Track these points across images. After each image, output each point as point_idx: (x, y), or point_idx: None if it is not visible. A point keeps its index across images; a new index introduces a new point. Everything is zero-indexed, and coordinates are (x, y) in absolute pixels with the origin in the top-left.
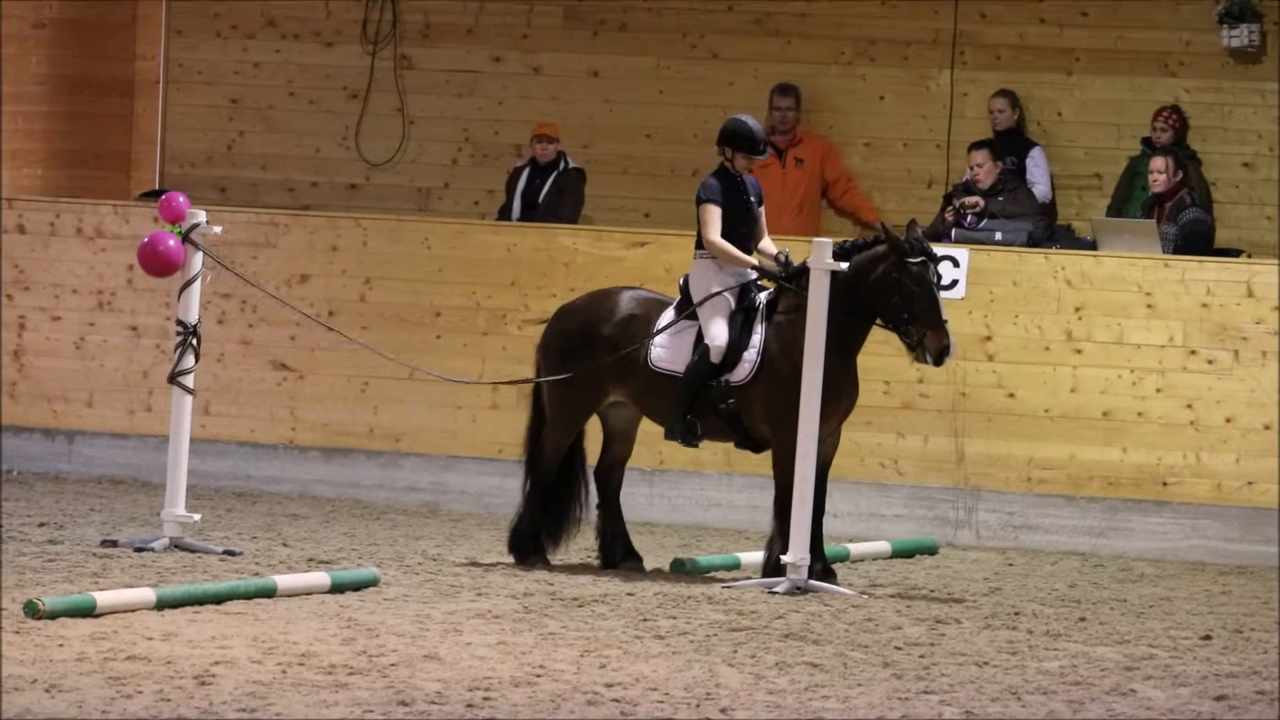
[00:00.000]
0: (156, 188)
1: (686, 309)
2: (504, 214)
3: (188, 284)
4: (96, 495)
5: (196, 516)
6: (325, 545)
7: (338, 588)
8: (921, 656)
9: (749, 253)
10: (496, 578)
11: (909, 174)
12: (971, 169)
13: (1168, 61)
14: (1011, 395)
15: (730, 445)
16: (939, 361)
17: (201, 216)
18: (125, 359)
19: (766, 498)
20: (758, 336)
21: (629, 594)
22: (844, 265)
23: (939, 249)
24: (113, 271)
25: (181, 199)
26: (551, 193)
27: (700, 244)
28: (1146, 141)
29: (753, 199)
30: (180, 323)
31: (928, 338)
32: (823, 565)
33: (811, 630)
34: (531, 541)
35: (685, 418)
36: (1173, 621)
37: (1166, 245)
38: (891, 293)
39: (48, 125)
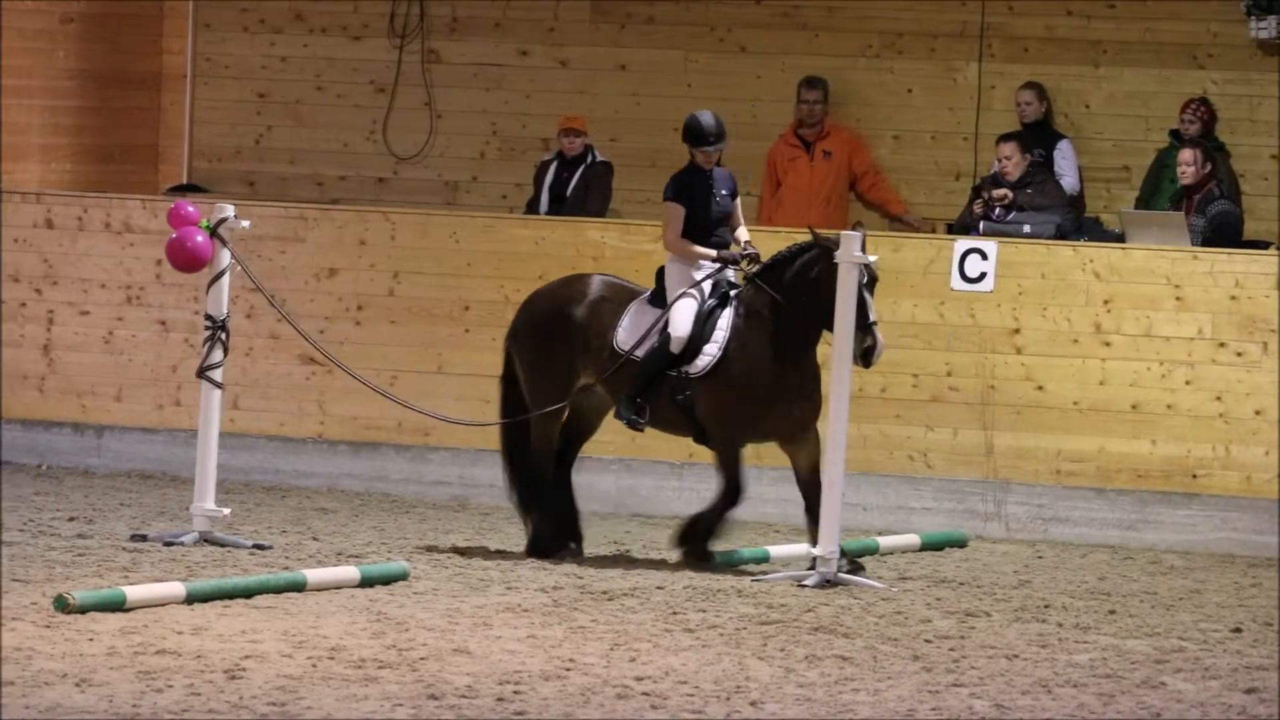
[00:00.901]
0: (184, 182)
1: (659, 300)
2: (532, 208)
3: (216, 278)
4: (126, 490)
5: (226, 511)
6: (354, 539)
7: (367, 582)
8: (951, 649)
9: (723, 244)
10: (526, 571)
11: (937, 166)
12: (999, 161)
13: (1196, 53)
14: (1040, 388)
15: (758, 442)
16: (866, 362)
17: (230, 211)
18: (154, 353)
19: (797, 491)
20: (721, 332)
21: (658, 587)
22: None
23: (968, 241)
24: (141, 266)
25: (191, 208)
26: (579, 186)
27: None
28: (1175, 133)
29: (723, 192)
30: (209, 317)
31: (855, 339)
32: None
33: (841, 623)
34: (552, 541)
35: (635, 400)
36: (1203, 614)
37: (1195, 237)
38: (822, 294)
39: (76, 120)
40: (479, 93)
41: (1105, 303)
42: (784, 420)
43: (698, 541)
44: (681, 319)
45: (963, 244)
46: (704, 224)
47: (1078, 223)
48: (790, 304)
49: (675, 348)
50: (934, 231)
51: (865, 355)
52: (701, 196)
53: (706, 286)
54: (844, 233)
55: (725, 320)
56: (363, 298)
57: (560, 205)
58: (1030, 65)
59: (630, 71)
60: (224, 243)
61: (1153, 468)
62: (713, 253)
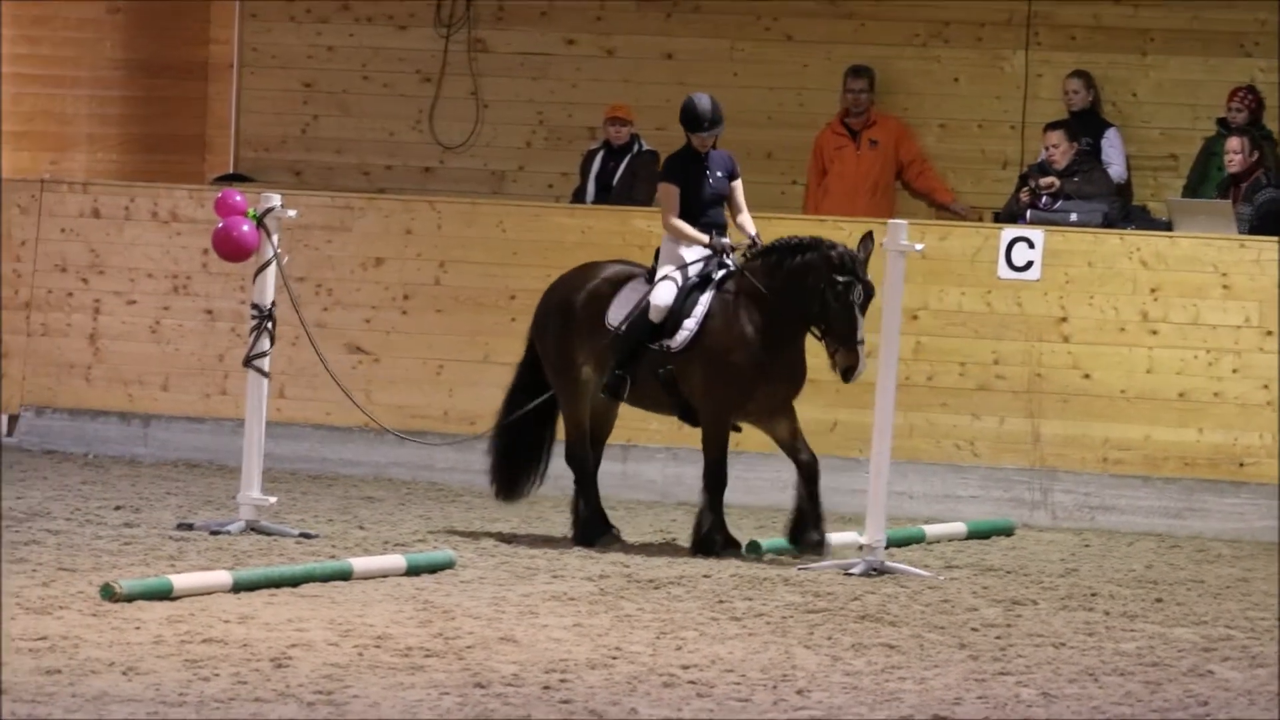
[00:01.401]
0: (231, 172)
1: (653, 277)
2: (578, 197)
3: (262, 268)
4: (172, 478)
5: (272, 499)
6: (401, 528)
7: (414, 570)
8: (998, 638)
9: (720, 224)
10: (572, 560)
11: (983, 155)
12: (1047, 150)
13: (1243, 41)
14: (1087, 376)
15: (806, 427)
16: (846, 378)
17: (276, 200)
18: (200, 343)
19: (843, 479)
20: (700, 308)
21: (705, 576)
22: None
23: (1015, 230)
24: (188, 255)
25: (238, 197)
26: (625, 175)
27: None
28: (1222, 122)
29: (719, 173)
30: (255, 306)
31: (839, 354)
32: (819, 537)
33: (888, 612)
34: (599, 525)
35: (615, 371)
36: (1250, 602)
37: (1242, 225)
38: (815, 302)
39: (123, 109)
40: (525, 82)
41: (1152, 291)
42: (768, 400)
43: (711, 540)
44: (664, 291)
45: (1009, 232)
46: (697, 205)
47: (1125, 211)
48: (777, 298)
49: (655, 316)
50: (980, 220)
51: (845, 373)
52: (695, 178)
53: (697, 266)
54: (890, 221)
55: (706, 298)
56: (409, 287)
57: (606, 194)
58: (1077, 53)
59: (676, 60)
60: (270, 233)
61: (1200, 456)
62: (705, 239)
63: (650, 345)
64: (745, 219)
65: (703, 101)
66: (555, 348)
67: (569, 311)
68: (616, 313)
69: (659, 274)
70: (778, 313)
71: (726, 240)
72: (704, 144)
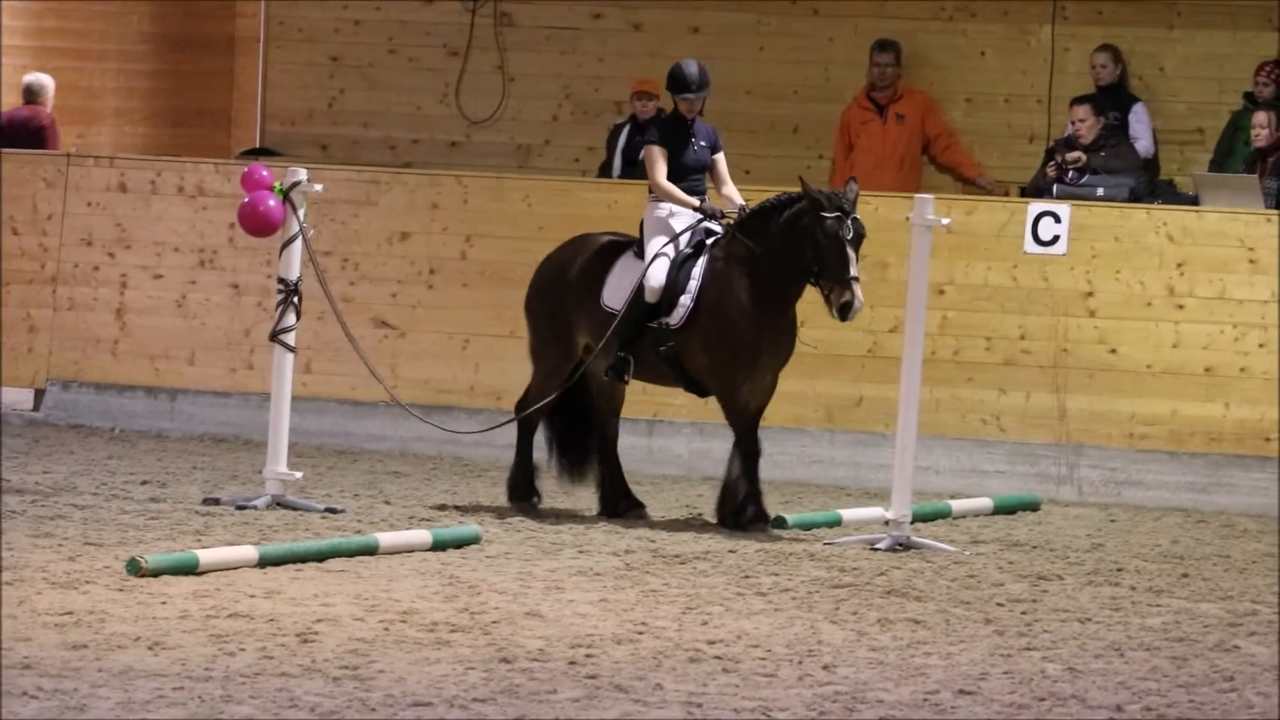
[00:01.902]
0: (257, 146)
1: (642, 252)
2: (604, 171)
3: (288, 242)
4: (198, 453)
5: (298, 474)
6: (427, 502)
7: (439, 545)
8: (1024, 613)
9: (701, 192)
10: (598, 535)
11: (1010, 129)
12: (1073, 124)
13: (1271, 15)
14: (1113, 351)
15: (831, 402)
16: (843, 316)
17: (302, 174)
18: (227, 317)
19: (869, 454)
20: (694, 282)
21: (731, 551)
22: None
23: (1042, 204)
24: (214, 230)
25: (264, 171)
26: None
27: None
28: (1249, 96)
29: (702, 143)
30: (281, 281)
31: (833, 292)
32: (756, 511)
33: (913, 587)
34: (524, 488)
35: (618, 354)
36: (1276, 577)
37: (1269, 200)
38: (807, 246)
39: (149, 83)
40: (552, 56)
41: (1178, 266)
42: (770, 369)
43: (742, 512)
44: (658, 270)
45: (1036, 207)
46: (679, 170)
47: (1151, 186)
48: (771, 256)
49: (650, 298)
50: (1007, 194)
51: (842, 310)
52: (680, 143)
53: (686, 235)
54: (917, 195)
55: (699, 270)
56: (435, 261)
57: (633, 169)
58: (1104, 27)
59: (703, 34)
60: (296, 207)
61: (1226, 431)
62: (695, 201)
63: (649, 324)
64: (731, 190)
65: (690, 66)
66: (547, 321)
67: (563, 286)
68: (611, 293)
69: (649, 250)
70: (772, 273)
71: (743, 205)
72: (691, 108)
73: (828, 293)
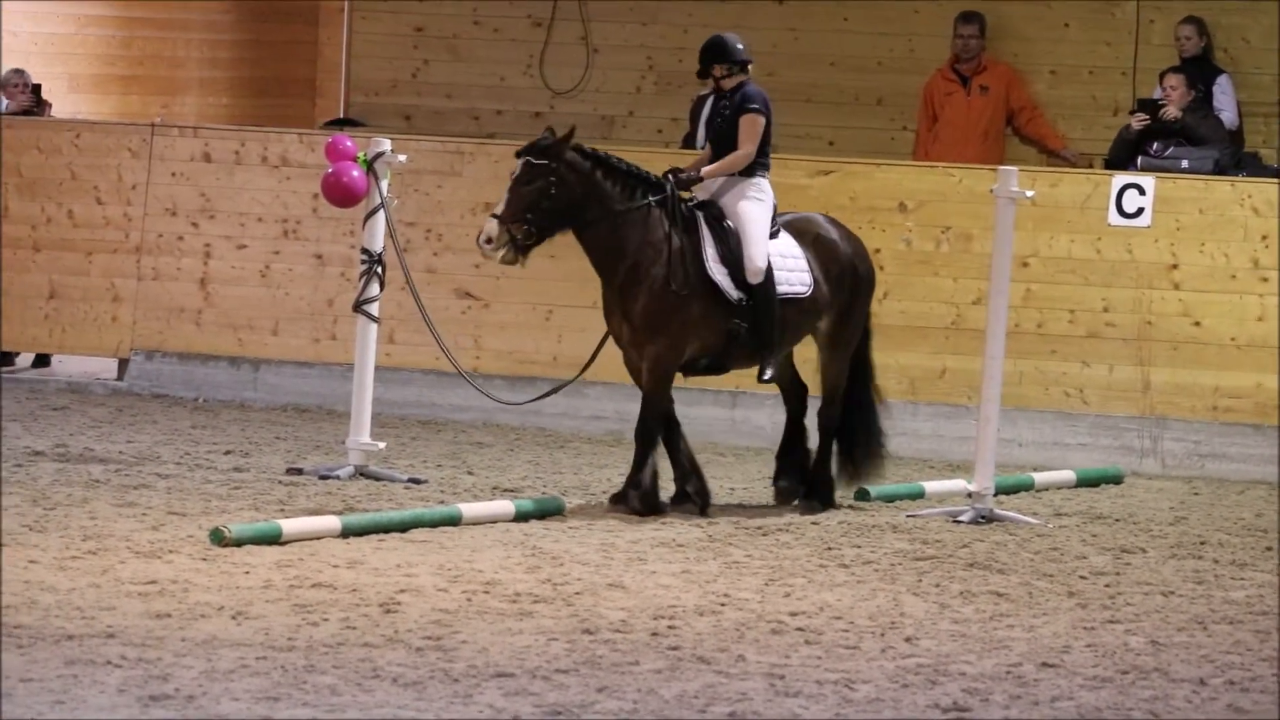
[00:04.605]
0: (341, 116)
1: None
2: (688, 142)
3: (372, 213)
4: (282, 423)
5: (381, 445)
6: (510, 473)
7: (522, 516)
8: (1107, 586)
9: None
10: (681, 507)
11: (1094, 101)
12: (1164, 90)
13: None
14: (1197, 324)
15: (915, 374)
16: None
17: (386, 145)
18: (310, 287)
19: (952, 426)
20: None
21: (813, 523)
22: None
23: (1126, 176)
24: (298, 200)
25: (348, 142)
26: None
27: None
28: None
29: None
30: (365, 251)
31: None
32: (696, 486)
33: (996, 559)
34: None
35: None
36: None
37: None
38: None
39: (233, 53)
40: (635, 27)
41: (1263, 238)
42: (619, 339)
43: (689, 482)
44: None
45: (1120, 179)
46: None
47: (1236, 158)
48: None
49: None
50: (1091, 166)
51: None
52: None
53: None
54: (1000, 168)
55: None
56: None
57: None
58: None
59: (787, 6)
60: (379, 178)
61: None
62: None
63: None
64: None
65: (716, 38)
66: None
67: None
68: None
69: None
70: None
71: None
72: (714, 83)
73: None
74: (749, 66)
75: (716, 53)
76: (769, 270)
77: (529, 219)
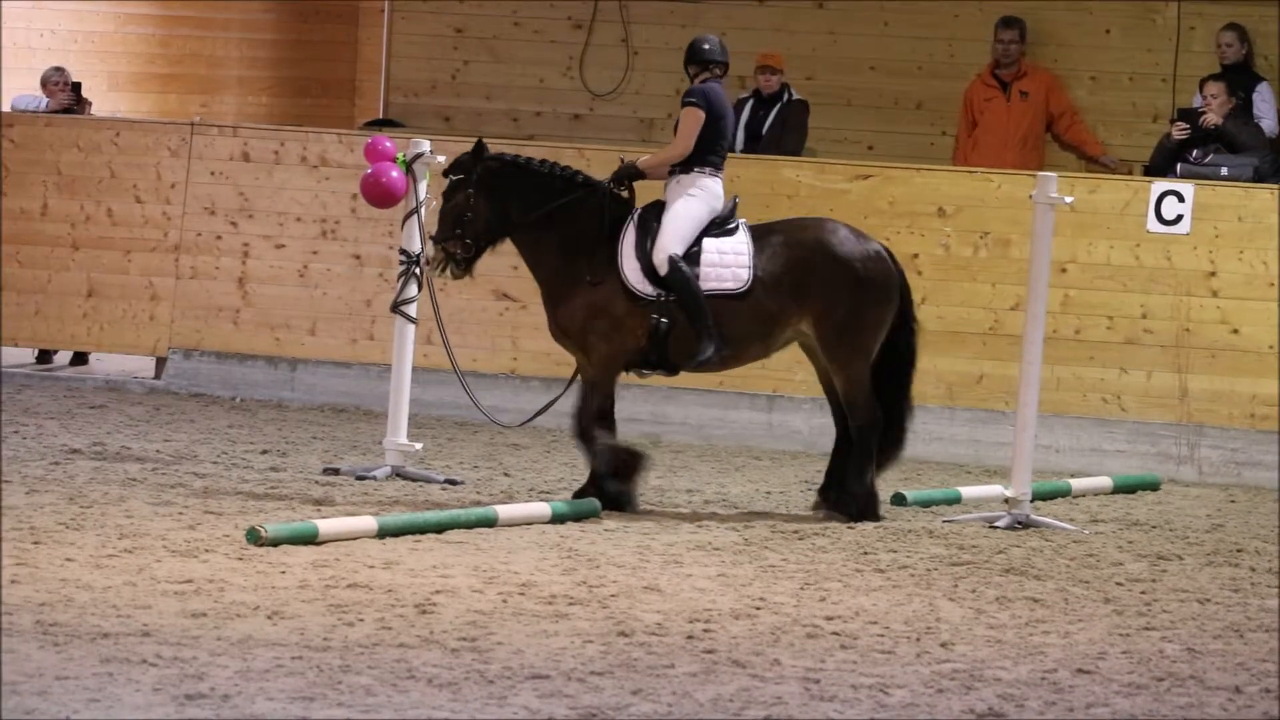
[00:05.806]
0: (380, 117)
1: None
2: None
3: (411, 213)
4: (319, 423)
5: (418, 445)
6: (546, 475)
7: (559, 518)
8: (1143, 593)
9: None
10: (716, 509)
11: (1134, 108)
12: (1204, 98)
13: None
14: (1236, 331)
15: (952, 379)
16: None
17: (425, 146)
18: (348, 287)
19: (989, 432)
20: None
21: (849, 527)
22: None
23: (1164, 184)
24: (336, 200)
25: (388, 143)
26: (775, 125)
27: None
28: None
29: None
30: (403, 252)
31: None
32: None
33: (1032, 565)
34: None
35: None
36: None
37: None
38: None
39: (273, 53)
40: (675, 29)
41: None
42: (555, 331)
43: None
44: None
45: (1159, 186)
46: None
47: (1275, 165)
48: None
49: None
50: (1131, 173)
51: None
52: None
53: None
54: (1040, 174)
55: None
56: None
57: (756, 143)
58: (1229, 6)
59: (828, 9)
60: (418, 178)
61: None
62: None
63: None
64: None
65: (696, 40)
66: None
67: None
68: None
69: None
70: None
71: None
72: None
73: None
74: (725, 66)
75: (687, 55)
76: (677, 262)
77: (458, 234)
